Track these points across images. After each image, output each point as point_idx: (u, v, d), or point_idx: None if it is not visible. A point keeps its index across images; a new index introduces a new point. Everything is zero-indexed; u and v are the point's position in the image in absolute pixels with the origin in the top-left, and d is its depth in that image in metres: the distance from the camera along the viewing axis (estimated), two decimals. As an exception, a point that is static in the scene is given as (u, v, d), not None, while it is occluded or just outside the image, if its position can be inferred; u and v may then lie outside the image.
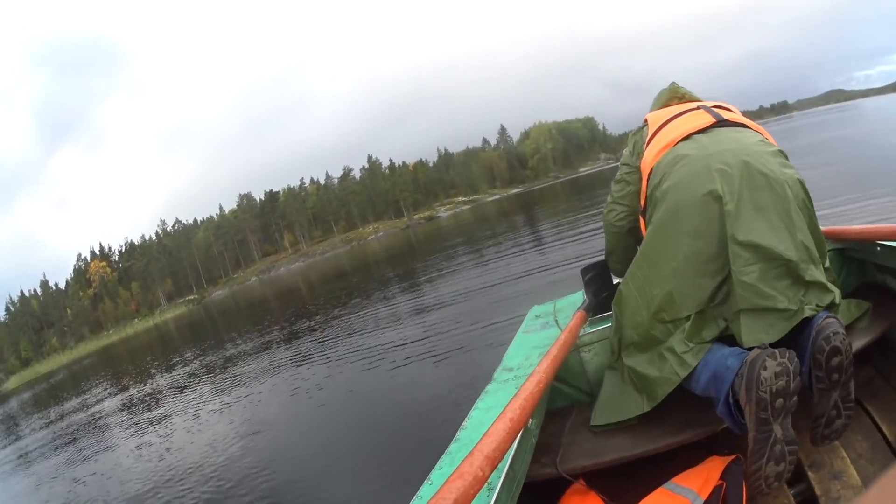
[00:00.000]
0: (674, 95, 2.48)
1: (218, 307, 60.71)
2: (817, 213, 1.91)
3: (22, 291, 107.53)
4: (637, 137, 2.35)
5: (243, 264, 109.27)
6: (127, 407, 15.06)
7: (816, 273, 1.77)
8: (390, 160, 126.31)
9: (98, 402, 18.35)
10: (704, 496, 1.60)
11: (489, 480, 1.21)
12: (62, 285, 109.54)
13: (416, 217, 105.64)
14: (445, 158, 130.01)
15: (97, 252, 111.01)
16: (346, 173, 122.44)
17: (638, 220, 2.24)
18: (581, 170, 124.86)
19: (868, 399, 1.92)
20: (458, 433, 1.93)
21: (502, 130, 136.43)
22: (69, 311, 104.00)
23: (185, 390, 14.45)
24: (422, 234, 61.85)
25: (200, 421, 10.67)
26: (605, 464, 1.90)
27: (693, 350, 1.81)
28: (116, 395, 18.59)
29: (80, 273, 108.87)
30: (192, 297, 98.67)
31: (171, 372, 19.23)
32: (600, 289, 2.96)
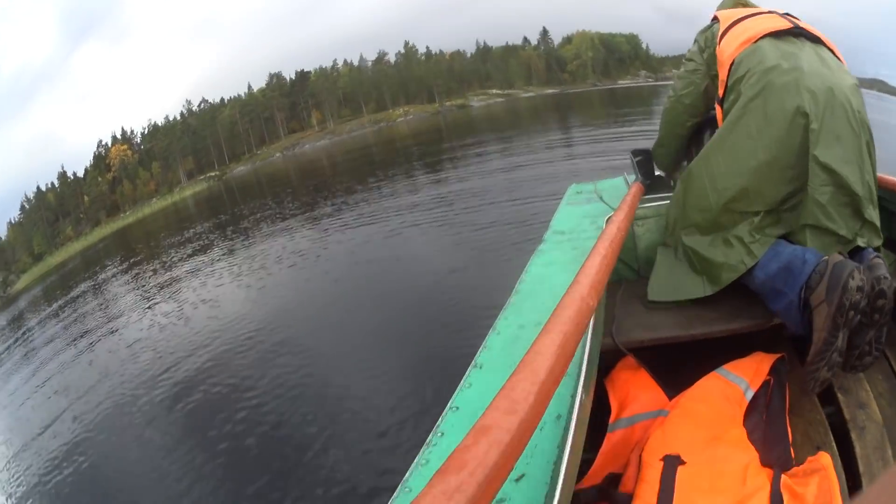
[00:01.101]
0: (738, 3, 2.40)
1: (238, 182, 60.14)
2: None
3: (38, 187, 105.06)
4: (707, 34, 2.34)
5: (268, 140, 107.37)
6: (138, 284, 14.83)
7: (873, 214, 1.83)
8: (427, 48, 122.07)
9: (107, 282, 18.10)
10: (755, 388, 1.68)
11: None
12: (81, 174, 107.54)
13: (447, 104, 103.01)
14: (483, 51, 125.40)
15: (119, 137, 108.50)
16: (381, 57, 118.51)
17: (695, 119, 2.34)
18: (620, 82, 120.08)
19: (889, 346, 1.89)
20: (517, 286, 2.01)
21: (544, 32, 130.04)
22: (86, 199, 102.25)
23: (196, 264, 14.14)
24: (451, 121, 61.11)
25: (211, 291, 10.49)
26: (660, 340, 1.94)
27: (759, 241, 1.87)
28: (126, 274, 18.26)
29: (100, 159, 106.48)
30: (212, 173, 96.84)
31: (183, 247, 18.78)
32: (648, 172, 2.98)
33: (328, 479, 4.37)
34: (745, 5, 2.39)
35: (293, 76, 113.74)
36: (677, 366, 1.88)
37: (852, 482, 1.50)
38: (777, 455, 1.57)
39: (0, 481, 6.76)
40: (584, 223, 2.58)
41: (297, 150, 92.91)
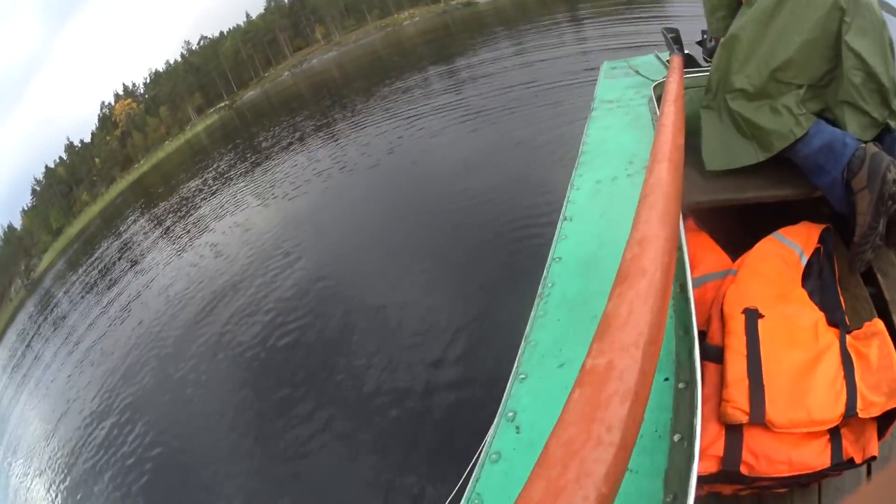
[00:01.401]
0: None
1: (250, 108, 59.02)
2: None
3: (46, 166, 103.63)
4: None
5: (274, 62, 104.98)
6: (162, 227, 14.73)
7: None
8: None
9: (130, 233, 17.96)
10: (808, 254, 1.80)
11: None
12: (88, 140, 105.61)
13: (453, 2, 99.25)
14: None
15: (121, 93, 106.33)
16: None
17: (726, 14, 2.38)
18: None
19: None
20: (582, 148, 2.20)
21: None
22: (97, 161, 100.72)
23: (217, 194, 14.09)
24: (459, 20, 58.62)
25: (237, 218, 10.40)
26: (716, 203, 2.06)
27: (806, 115, 1.98)
28: (148, 219, 18.17)
29: (106, 119, 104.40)
30: (222, 104, 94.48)
31: (202, 180, 18.66)
32: (681, 48, 3.04)
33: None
34: None
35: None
36: (738, 229, 1.98)
37: None
38: (837, 316, 1.66)
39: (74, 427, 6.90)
40: (628, 93, 2.70)
41: (305, 66, 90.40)
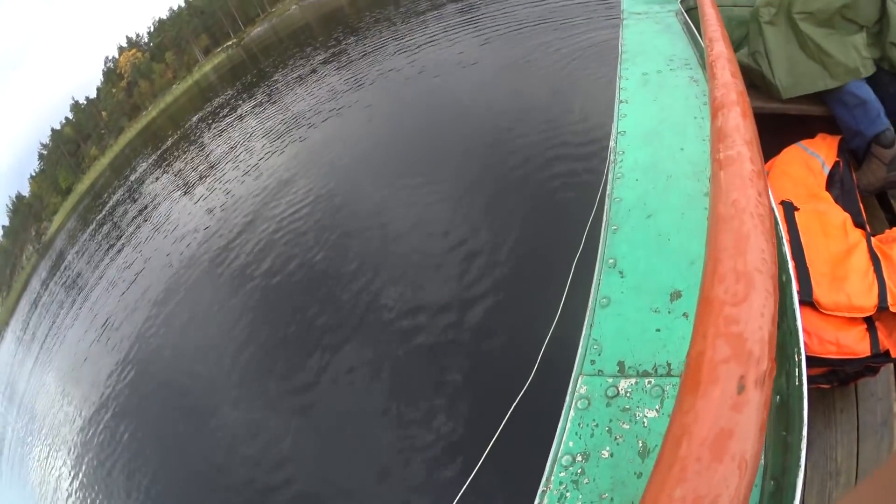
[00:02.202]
0: None
1: (258, 45, 57.66)
2: None
3: (52, 129, 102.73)
4: None
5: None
6: (173, 173, 14.24)
7: None
8: None
9: (141, 182, 17.58)
10: (829, 165, 1.96)
11: None
12: (94, 96, 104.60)
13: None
14: None
15: (125, 45, 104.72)
16: None
17: None
18: None
19: None
20: (621, 49, 2.31)
21: None
22: (104, 114, 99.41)
23: (228, 133, 13.48)
24: None
25: (251, 160, 9.83)
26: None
27: (870, 60, 2.12)
28: (158, 167, 17.72)
29: (111, 73, 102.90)
30: (229, 42, 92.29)
31: (211, 120, 18.00)
32: None
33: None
34: None
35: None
36: (762, 136, 1.89)
37: None
38: (860, 221, 1.81)
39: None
40: (654, 7, 2.80)
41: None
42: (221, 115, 17.68)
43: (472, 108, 6.91)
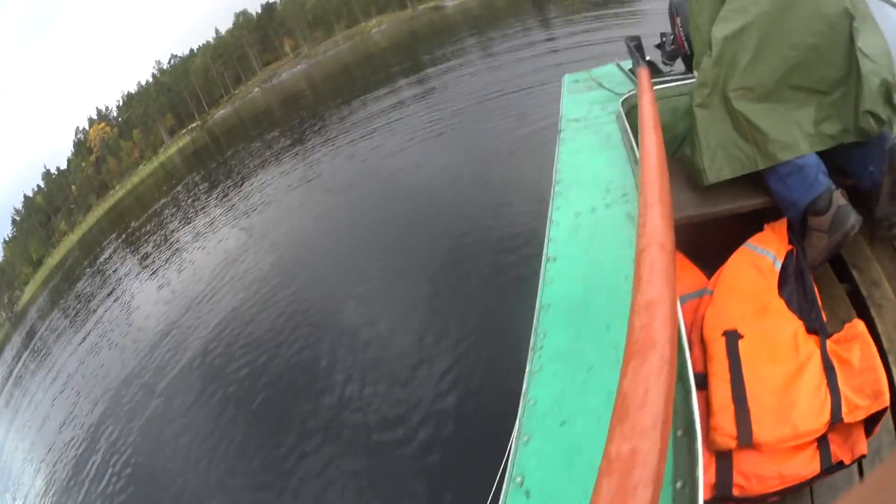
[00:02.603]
0: None
1: (221, 127, 58.60)
2: None
3: (25, 195, 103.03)
4: None
5: (244, 78, 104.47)
6: (138, 258, 14.72)
7: None
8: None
9: (107, 265, 17.98)
10: (781, 259, 1.83)
11: None
12: (64, 166, 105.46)
13: (420, 7, 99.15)
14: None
15: (95, 118, 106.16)
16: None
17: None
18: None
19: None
20: (555, 177, 2.12)
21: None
22: (73, 188, 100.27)
23: (192, 221, 13.92)
24: (427, 24, 59.11)
25: (213, 245, 10.29)
26: (691, 219, 2.05)
27: (816, 137, 1.95)
28: (124, 250, 18.11)
29: (81, 145, 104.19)
30: (194, 124, 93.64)
31: (175, 207, 18.45)
32: (643, 56, 2.98)
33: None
34: None
35: (259, 10, 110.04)
36: (709, 243, 2.00)
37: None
38: (816, 323, 1.68)
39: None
40: (594, 110, 2.64)
41: (275, 81, 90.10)
42: (186, 200, 18.14)
43: (433, 204, 7.17)
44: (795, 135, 1.94)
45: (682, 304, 1.67)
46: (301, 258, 7.57)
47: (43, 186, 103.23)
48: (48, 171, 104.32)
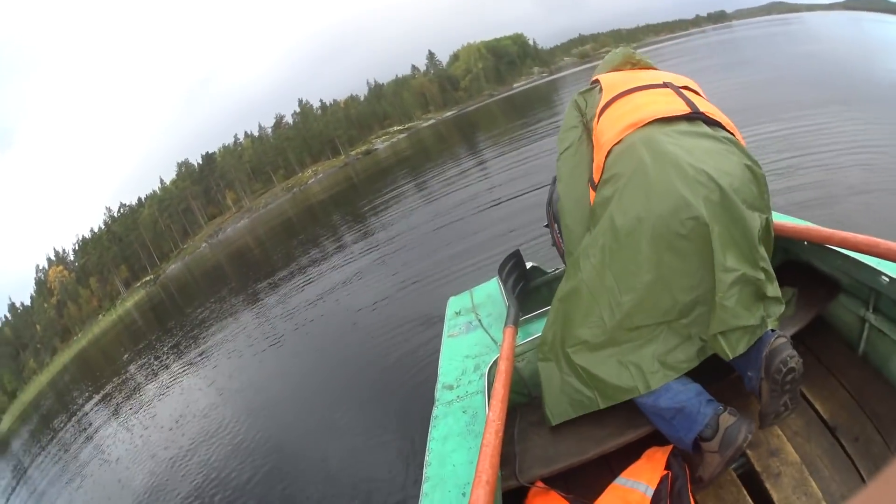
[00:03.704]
0: (627, 60, 2.40)
1: (175, 283, 59.01)
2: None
3: None
4: (588, 98, 2.27)
5: (191, 233, 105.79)
6: (116, 412, 14.07)
7: (774, 289, 1.86)
8: (321, 101, 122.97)
9: (89, 418, 17.18)
10: (654, 486, 1.74)
11: None
12: (28, 302, 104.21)
13: (353, 153, 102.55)
14: (376, 90, 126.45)
15: (53, 259, 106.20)
16: (279, 121, 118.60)
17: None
18: (515, 86, 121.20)
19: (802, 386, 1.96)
20: (425, 471, 2.05)
21: (430, 56, 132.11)
22: (38, 327, 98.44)
23: (158, 378, 14.09)
24: (361, 170, 60.66)
25: (185, 401, 10.36)
26: (558, 470, 1.98)
27: (661, 373, 1.85)
28: (102, 404, 17.64)
29: (42, 284, 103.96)
30: (147, 278, 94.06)
31: (141, 364, 18.69)
32: (517, 280, 3.30)
33: None
34: (636, 64, 2.38)
35: (199, 160, 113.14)
36: (588, 480, 2.00)
37: None
38: None
39: None
40: (469, 368, 2.68)
41: (220, 236, 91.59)
42: (149, 357, 18.69)
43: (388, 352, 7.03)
44: (636, 375, 1.87)
45: None
46: (259, 403, 7.97)
47: (9, 318, 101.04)
48: (13, 303, 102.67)
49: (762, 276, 1.81)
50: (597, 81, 2.29)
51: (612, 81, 2.20)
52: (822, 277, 2.29)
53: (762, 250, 1.84)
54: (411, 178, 25.92)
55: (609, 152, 1.96)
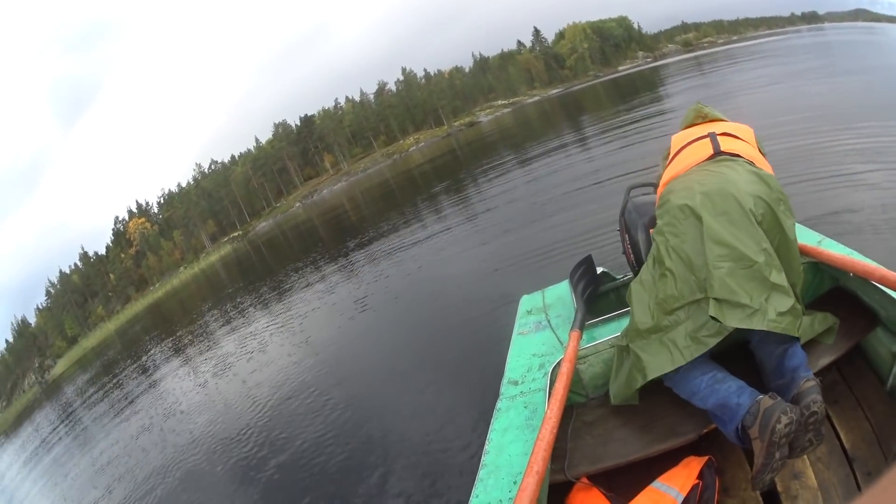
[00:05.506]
0: (698, 115, 2.87)
1: (263, 239, 59.97)
2: None
3: (61, 270, 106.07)
4: (665, 152, 2.80)
5: (285, 192, 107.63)
6: (185, 361, 14.61)
7: (779, 278, 2.03)
8: (425, 70, 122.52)
9: (152, 361, 17.87)
10: (685, 493, 1.84)
11: None
12: (102, 252, 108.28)
13: (456, 124, 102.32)
14: (481, 63, 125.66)
15: (135, 211, 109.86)
16: (382, 88, 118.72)
17: None
18: (620, 68, 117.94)
19: (830, 404, 2.06)
20: (483, 458, 2.21)
21: (536, 32, 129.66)
22: (112, 277, 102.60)
23: (238, 333, 13.88)
24: (464, 140, 60.94)
25: (259, 357, 10.32)
26: (604, 468, 2.09)
27: (692, 348, 2.05)
28: (170, 350, 18.05)
29: (120, 235, 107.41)
30: (235, 233, 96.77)
31: (222, 317, 18.60)
32: (587, 285, 3.48)
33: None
34: (704, 118, 2.84)
35: (298, 122, 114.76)
36: (629, 482, 2.01)
37: None
38: None
39: None
40: (534, 366, 2.81)
41: (315, 197, 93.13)
42: (231, 311, 18.39)
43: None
44: (673, 351, 2.08)
45: None
46: (342, 369, 7.65)
47: (80, 266, 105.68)
48: (85, 252, 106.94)
49: (761, 259, 2.01)
50: (671, 141, 2.80)
51: (677, 140, 2.74)
52: (863, 309, 2.31)
53: (764, 240, 2.06)
54: (515, 155, 25.12)
55: (662, 191, 2.48)
